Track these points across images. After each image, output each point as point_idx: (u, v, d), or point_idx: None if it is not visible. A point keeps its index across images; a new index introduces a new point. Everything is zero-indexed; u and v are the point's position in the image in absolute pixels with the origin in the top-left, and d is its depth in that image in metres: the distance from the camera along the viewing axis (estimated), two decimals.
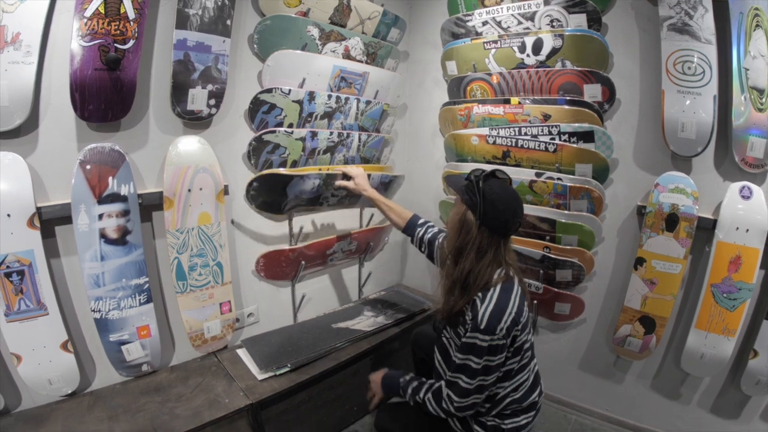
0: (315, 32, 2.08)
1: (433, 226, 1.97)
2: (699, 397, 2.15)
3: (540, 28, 2.13)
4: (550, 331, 2.45)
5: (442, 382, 1.57)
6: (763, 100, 1.76)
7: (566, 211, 2.16)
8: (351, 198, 2.32)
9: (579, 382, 2.45)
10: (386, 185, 2.46)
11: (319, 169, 2.18)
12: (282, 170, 2.09)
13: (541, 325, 2.46)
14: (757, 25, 1.73)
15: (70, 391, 1.82)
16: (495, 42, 2.24)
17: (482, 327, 1.41)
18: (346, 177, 2.12)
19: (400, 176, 2.59)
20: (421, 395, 1.62)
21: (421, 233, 1.96)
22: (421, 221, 1.99)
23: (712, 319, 1.91)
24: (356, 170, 2.11)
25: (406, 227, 2.01)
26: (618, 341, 2.15)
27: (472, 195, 1.49)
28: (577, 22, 2.02)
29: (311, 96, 2.11)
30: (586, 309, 2.28)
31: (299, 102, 2.08)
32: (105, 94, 1.62)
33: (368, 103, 2.37)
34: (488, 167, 1.58)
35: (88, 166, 1.64)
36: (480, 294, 1.46)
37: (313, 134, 2.15)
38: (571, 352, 2.44)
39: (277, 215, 2.23)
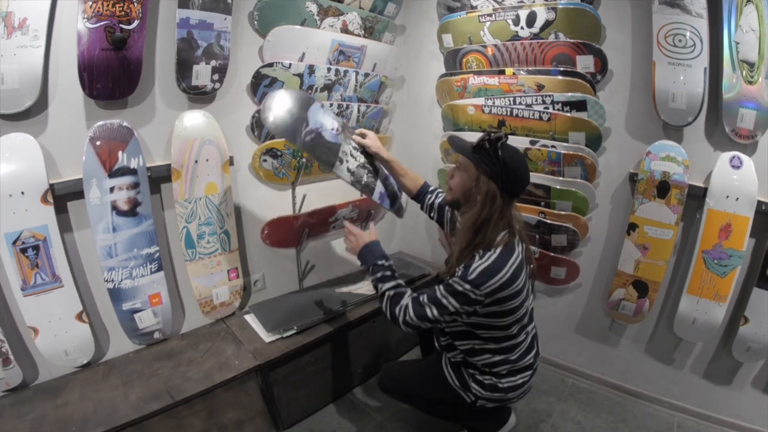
0: (313, 8, 2.12)
1: (442, 192, 1.99)
2: (692, 362, 2.20)
3: (534, 2, 2.14)
4: (547, 295, 2.52)
5: (409, 297, 1.59)
6: (754, 73, 1.78)
7: (560, 178, 2.20)
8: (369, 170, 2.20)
9: (576, 346, 2.52)
10: None
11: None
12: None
13: (539, 289, 2.52)
14: (748, 0, 1.73)
15: (85, 362, 1.91)
16: (490, 15, 2.26)
17: (470, 278, 1.46)
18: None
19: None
20: (384, 288, 1.63)
21: (431, 199, 1.99)
22: (431, 188, 2.02)
23: (703, 285, 1.96)
24: (370, 133, 2.07)
25: (418, 194, 2.02)
26: (612, 305, 2.21)
27: (491, 164, 1.49)
28: None
29: (311, 69, 2.16)
30: (581, 274, 2.34)
31: (300, 75, 2.14)
32: (112, 73, 1.68)
33: (366, 75, 2.43)
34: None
35: (98, 142, 1.72)
36: (480, 251, 1.50)
37: None
38: (567, 316, 2.50)
39: (280, 183, 2.31)
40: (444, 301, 1.50)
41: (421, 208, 2.04)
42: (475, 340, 1.67)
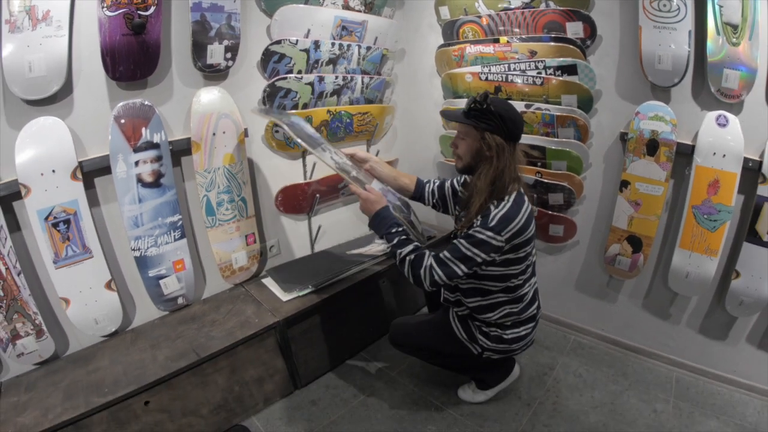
0: None
1: (437, 179, 2.10)
2: (687, 317, 2.28)
3: None
4: (547, 253, 2.62)
5: (429, 257, 1.65)
6: (737, 35, 1.83)
7: (555, 139, 2.29)
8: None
9: (576, 302, 2.62)
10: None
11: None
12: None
13: (539, 248, 2.61)
14: None
15: (113, 330, 2.03)
16: None
17: (490, 225, 1.57)
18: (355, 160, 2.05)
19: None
20: (404, 253, 1.67)
21: (430, 188, 2.07)
22: (425, 180, 2.10)
23: (694, 239, 2.05)
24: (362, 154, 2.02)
25: (415, 191, 2.09)
26: (609, 260, 2.31)
27: (489, 121, 1.60)
28: None
29: (316, 45, 2.28)
30: (578, 231, 2.43)
31: (306, 50, 2.26)
32: (133, 56, 1.80)
33: (368, 48, 2.53)
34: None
35: (123, 120, 1.84)
36: (495, 201, 1.62)
37: (321, 78, 2.34)
38: (567, 273, 2.60)
39: (291, 152, 2.45)
40: (469, 253, 1.60)
41: (424, 202, 2.11)
42: (483, 296, 1.79)
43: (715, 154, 1.94)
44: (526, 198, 1.68)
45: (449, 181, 2.05)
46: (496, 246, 1.58)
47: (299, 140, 1.76)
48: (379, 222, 1.74)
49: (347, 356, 2.46)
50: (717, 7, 1.84)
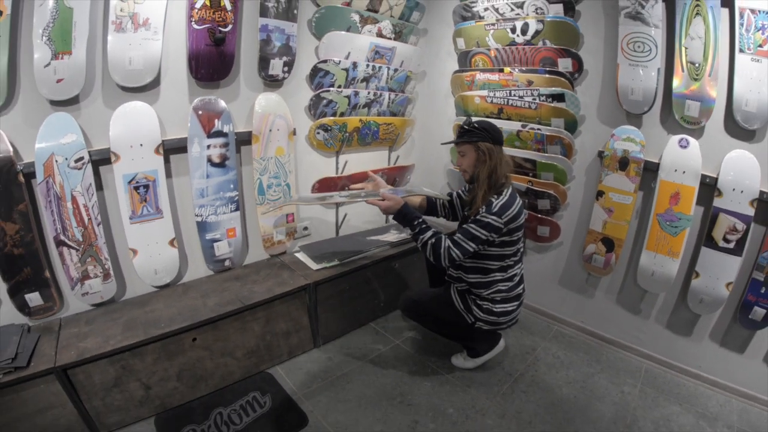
0: (356, 17, 2.64)
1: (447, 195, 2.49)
2: (656, 313, 2.52)
3: (527, 15, 2.58)
4: (536, 252, 2.97)
5: (446, 239, 2.04)
6: (699, 72, 2.11)
7: (544, 154, 2.66)
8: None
9: (559, 297, 2.93)
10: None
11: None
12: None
13: (529, 246, 2.96)
14: (697, 13, 2.07)
15: (168, 281, 2.34)
16: (493, 24, 2.72)
17: (494, 211, 2.01)
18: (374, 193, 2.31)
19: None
20: (425, 238, 2.07)
21: (441, 202, 2.48)
22: (434, 199, 2.47)
23: (659, 242, 2.33)
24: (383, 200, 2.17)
25: (428, 209, 2.47)
26: (586, 258, 2.65)
27: (478, 135, 2.07)
28: (555, 10, 2.47)
29: (354, 65, 2.70)
30: (562, 233, 2.77)
31: (346, 69, 2.68)
32: (212, 63, 2.21)
33: (396, 70, 2.95)
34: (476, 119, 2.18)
35: (200, 112, 2.24)
36: (495, 196, 2.05)
37: (356, 93, 2.77)
38: (552, 270, 2.92)
39: (327, 151, 2.87)
40: (477, 233, 2.03)
41: (437, 215, 2.50)
42: (483, 274, 2.20)
43: (676, 170, 2.24)
44: (517, 194, 2.13)
45: (455, 192, 2.47)
46: (497, 227, 2.02)
47: (312, 203, 2.43)
48: (402, 218, 2.13)
49: (361, 324, 2.85)
50: (683, 49, 2.14)
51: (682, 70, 2.16)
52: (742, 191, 2.10)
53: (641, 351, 2.63)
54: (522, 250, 2.25)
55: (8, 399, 1.75)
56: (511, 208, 2.04)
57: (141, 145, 2.11)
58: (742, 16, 2.01)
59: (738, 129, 2.11)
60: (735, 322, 2.27)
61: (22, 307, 1.99)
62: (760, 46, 1.99)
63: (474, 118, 2.13)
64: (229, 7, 2.18)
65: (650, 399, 2.32)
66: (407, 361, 2.56)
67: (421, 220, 2.13)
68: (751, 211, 2.10)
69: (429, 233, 2.10)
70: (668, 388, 2.41)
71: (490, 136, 2.08)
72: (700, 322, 2.39)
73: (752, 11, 1.98)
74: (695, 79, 2.14)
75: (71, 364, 1.83)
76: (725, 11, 2.07)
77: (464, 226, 2.09)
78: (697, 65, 2.13)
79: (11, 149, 1.82)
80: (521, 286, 2.28)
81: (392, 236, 3.04)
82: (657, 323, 2.55)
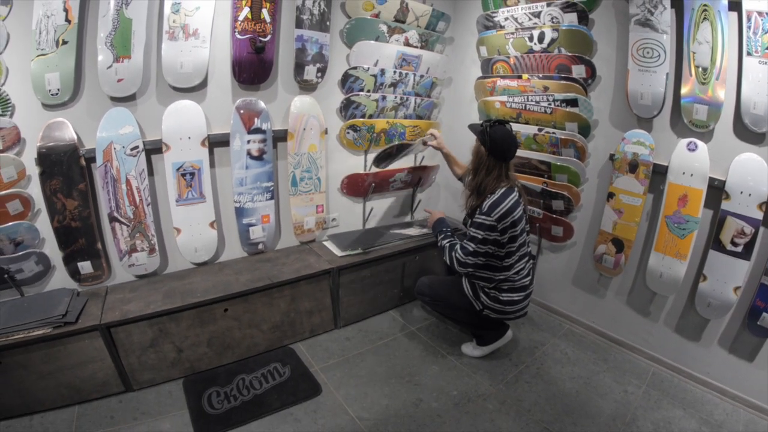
0: (384, 28, 2.83)
1: None
2: (665, 316, 2.53)
3: (544, 24, 2.69)
4: (550, 251, 3.06)
5: (458, 243, 2.31)
6: (707, 76, 2.13)
7: (559, 156, 2.76)
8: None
9: (571, 295, 3.00)
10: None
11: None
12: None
13: (544, 246, 3.06)
14: (704, 18, 2.10)
15: (206, 259, 2.58)
16: (512, 33, 2.84)
17: (484, 210, 2.19)
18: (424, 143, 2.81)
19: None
20: (445, 243, 2.39)
21: None
22: None
23: (667, 244, 2.35)
24: (437, 133, 2.79)
25: (461, 177, 2.71)
26: (597, 258, 2.70)
27: (483, 135, 2.21)
28: (570, 19, 2.57)
29: (382, 72, 2.90)
30: (575, 234, 2.83)
31: (374, 75, 2.88)
32: (253, 69, 2.46)
33: (422, 77, 3.13)
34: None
35: (242, 111, 2.50)
36: (489, 195, 2.22)
37: (384, 97, 2.97)
38: (566, 269, 2.99)
39: (356, 149, 3.07)
40: (473, 233, 2.23)
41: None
42: (491, 271, 2.34)
43: (684, 173, 2.26)
44: (516, 191, 2.25)
45: None
46: (490, 225, 2.18)
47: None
48: (436, 226, 2.55)
49: (380, 310, 3.04)
50: (690, 53, 2.18)
51: (691, 75, 2.19)
52: (750, 194, 2.10)
53: (649, 354, 2.64)
54: (527, 245, 2.37)
55: (56, 350, 2.00)
56: (501, 206, 2.18)
57: (189, 137, 2.35)
58: (749, 20, 2.02)
59: (747, 132, 2.11)
60: (744, 328, 2.24)
61: (74, 274, 2.29)
62: None
63: (496, 119, 2.26)
64: (268, 19, 2.43)
65: (653, 401, 2.33)
66: (419, 346, 2.73)
67: (448, 231, 2.46)
68: (759, 215, 2.09)
69: (449, 239, 2.40)
70: (674, 392, 2.41)
71: (492, 146, 2.20)
72: (709, 327, 2.37)
73: (759, 14, 2.00)
74: (704, 83, 2.16)
75: (115, 322, 2.09)
76: (733, 15, 2.08)
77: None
78: (705, 69, 2.15)
79: (75, 137, 2.15)
80: (528, 278, 2.39)
81: (414, 231, 3.22)
82: (666, 326, 2.55)
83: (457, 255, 2.28)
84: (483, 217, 2.20)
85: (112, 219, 2.30)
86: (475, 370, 2.53)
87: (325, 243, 3.02)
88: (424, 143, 2.80)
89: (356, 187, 3.13)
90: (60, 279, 2.29)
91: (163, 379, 2.29)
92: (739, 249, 2.16)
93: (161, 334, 2.23)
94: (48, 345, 1.99)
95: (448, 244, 2.36)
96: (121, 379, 2.17)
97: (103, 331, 2.07)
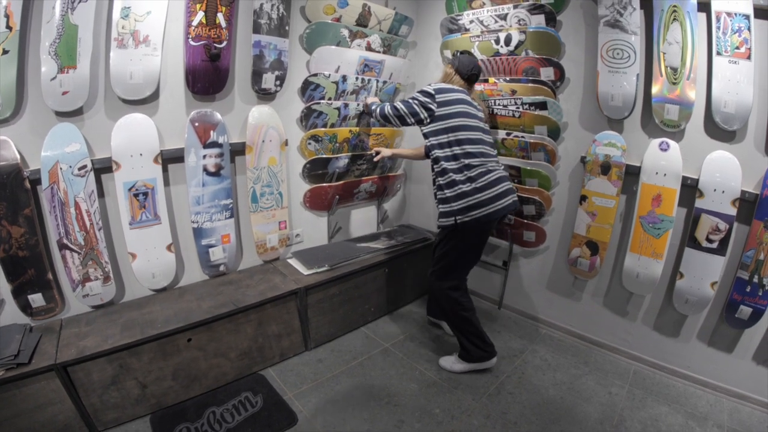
0: (346, 32, 2.74)
1: None
2: (643, 315, 2.55)
3: (510, 26, 2.68)
4: (523, 257, 3.03)
5: (388, 105, 2.45)
6: (677, 76, 2.16)
7: (528, 161, 2.73)
8: (369, 168, 3.15)
9: (547, 300, 2.99)
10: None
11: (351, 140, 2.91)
12: (323, 156, 2.88)
13: (516, 251, 3.03)
14: (674, 19, 2.13)
15: (165, 285, 2.43)
16: (478, 36, 2.81)
17: (429, 84, 2.33)
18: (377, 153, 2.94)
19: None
20: (373, 107, 2.56)
21: None
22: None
23: (642, 244, 2.37)
24: (381, 148, 2.95)
25: (426, 154, 2.49)
26: (571, 261, 2.70)
27: (454, 58, 2.41)
28: (537, 21, 2.56)
29: (344, 78, 2.79)
30: (548, 238, 2.82)
31: (336, 82, 2.77)
32: (208, 77, 2.31)
33: (385, 82, 3.04)
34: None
35: (196, 123, 2.34)
36: None
37: (346, 105, 2.86)
38: (540, 275, 2.98)
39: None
40: (414, 96, 2.34)
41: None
42: (439, 162, 2.27)
43: (657, 173, 2.29)
44: (469, 98, 2.36)
45: None
46: (427, 91, 2.30)
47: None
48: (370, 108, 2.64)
49: (351, 328, 2.92)
50: (660, 54, 2.20)
51: (661, 75, 2.22)
52: (723, 191, 2.15)
53: (629, 353, 2.66)
54: (482, 139, 2.30)
55: (10, 395, 1.82)
56: (446, 87, 2.32)
57: (141, 154, 2.21)
58: (718, 20, 2.06)
59: (718, 130, 2.15)
60: (722, 321, 2.29)
61: (25, 308, 2.09)
62: (737, 48, 2.03)
63: (463, 52, 2.50)
64: (224, 24, 2.29)
65: (638, 400, 2.35)
66: (395, 363, 2.63)
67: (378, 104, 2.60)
68: (733, 211, 2.14)
69: (376, 105, 2.57)
70: (657, 389, 2.44)
71: (456, 63, 2.40)
72: (687, 322, 2.41)
73: (728, 14, 2.04)
74: (674, 83, 2.19)
75: (71, 361, 1.91)
76: (702, 15, 2.12)
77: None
78: (675, 70, 2.19)
79: (18, 157, 1.94)
80: (490, 195, 2.21)
81: (382, 243, 3.13)
82: (644, 325, 2.58)
83: (385, 110, 2.45)
84: (426, 86, 2.33)
85: (62, 246, 2.10)
86: (455, 384, 2.45)
87: (289, 261, 2.89)
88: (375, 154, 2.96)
89: (320, 200, 3.01)
90: (10, 313, 2.08)
91: (129, 417, 2.12)
92: (715, 245, 2.21)
93: (122, 370, 2.07)
94: (1, 389, 1.80)
95: (378, 106, 2.52)
96: (84, 421, 2.00)
97: (60, 372, 1.89)
